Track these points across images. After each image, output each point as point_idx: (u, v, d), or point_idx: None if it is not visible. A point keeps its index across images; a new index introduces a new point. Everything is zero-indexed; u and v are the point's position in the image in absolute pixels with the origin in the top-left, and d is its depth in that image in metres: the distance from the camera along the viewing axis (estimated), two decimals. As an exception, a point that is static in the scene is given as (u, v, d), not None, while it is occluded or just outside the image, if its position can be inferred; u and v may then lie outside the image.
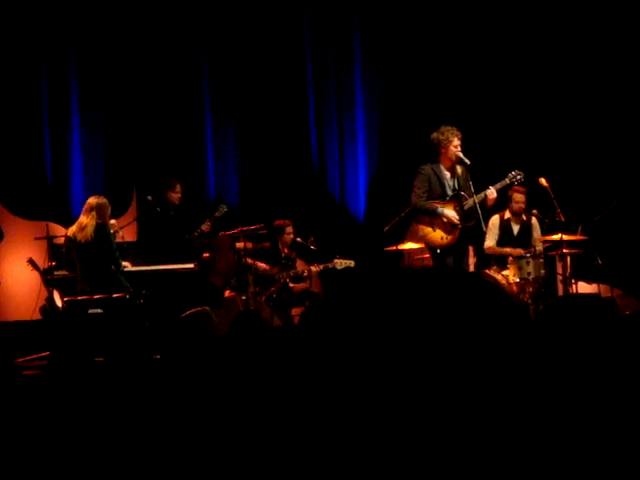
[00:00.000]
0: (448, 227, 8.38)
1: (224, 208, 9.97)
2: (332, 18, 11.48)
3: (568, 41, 10.85)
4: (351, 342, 1.56)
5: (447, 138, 8.40)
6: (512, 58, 10.98)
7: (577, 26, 10.81)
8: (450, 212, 8.36)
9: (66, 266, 8.85)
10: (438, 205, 8.41)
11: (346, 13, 11.49)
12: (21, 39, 10.86)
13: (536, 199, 9.54)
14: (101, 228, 8.60)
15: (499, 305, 1.57)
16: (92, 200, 8.78)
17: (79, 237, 8.60)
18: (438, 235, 8.42)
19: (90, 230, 8.57)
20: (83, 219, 8.68)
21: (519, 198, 9.50)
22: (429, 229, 8.43)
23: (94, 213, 8.65)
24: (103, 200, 8.78)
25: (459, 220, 8.35)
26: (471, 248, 9.35)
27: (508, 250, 9.50)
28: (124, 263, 8.86)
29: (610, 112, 10.73)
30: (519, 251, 9.43)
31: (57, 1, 10.98)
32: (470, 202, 8.32)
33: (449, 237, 8.39)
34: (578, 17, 10.81)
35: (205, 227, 9.82)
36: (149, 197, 9.89)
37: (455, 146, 8.39)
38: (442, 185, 8.45)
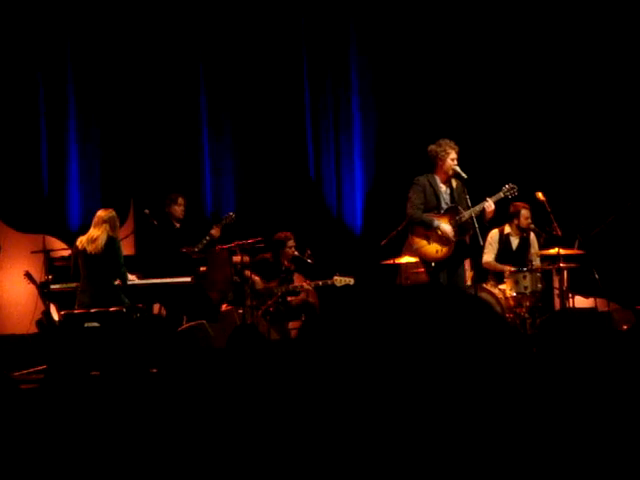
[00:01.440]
0: (443, 240, 8.34)
1: (232, 215, 10.03)
2: (329, 32, 11.52)
3: (564, 53, 10.89)
4: (349, 356, 1.56)
5: (444, 150, 8.37)
6: (508, 73, 11.01)
7: (571, 38, 10.84)
8: (446, 227, 8.31)
9: (73, 277, 8.77)
10: (434, 218, 8.36)
11: (342, 26, 11.54)
12: (19, 53, 10.88)
13: (533, 213, 9.55)
14: (112, 242, 8.54)
15: (493, 325, 1.57)
16: (102, 213, 8.70)
17: (89, 249, 8.52)
18: (433, 248, 8.37)
19: (101, 243, 8.49)
20: (94, 231, 8.59)
21: (528, 214, 9.47)
22: (424, 242, 8.38)
23: (106, 226, 8.57)
24: (113, 213, 8.72)
25: (454, 235, 8.32)
26: (467, 262, 9.33)
27: (507, 268, 9.43)
28: (131, 277, 8.82)
29: (607, 126, 10.76)
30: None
31: (54, 16, 11.01)
32: (466, 215, 8.29)
33: (444, 250, 8.34)
34: (572, 29, 10.85)
35: (215, 232, 9.84)
36: (146, 210, 9.87)
37: (452, 159, 8.38)
38: (437, 197, 8.42)
